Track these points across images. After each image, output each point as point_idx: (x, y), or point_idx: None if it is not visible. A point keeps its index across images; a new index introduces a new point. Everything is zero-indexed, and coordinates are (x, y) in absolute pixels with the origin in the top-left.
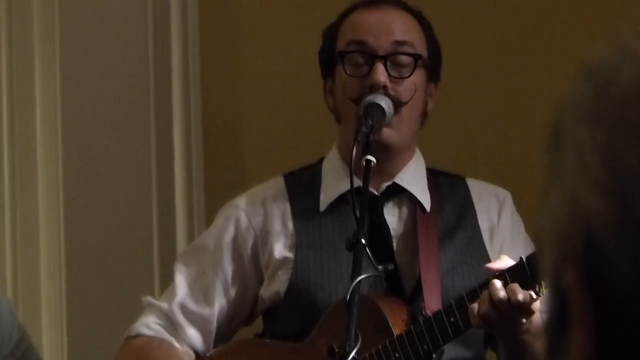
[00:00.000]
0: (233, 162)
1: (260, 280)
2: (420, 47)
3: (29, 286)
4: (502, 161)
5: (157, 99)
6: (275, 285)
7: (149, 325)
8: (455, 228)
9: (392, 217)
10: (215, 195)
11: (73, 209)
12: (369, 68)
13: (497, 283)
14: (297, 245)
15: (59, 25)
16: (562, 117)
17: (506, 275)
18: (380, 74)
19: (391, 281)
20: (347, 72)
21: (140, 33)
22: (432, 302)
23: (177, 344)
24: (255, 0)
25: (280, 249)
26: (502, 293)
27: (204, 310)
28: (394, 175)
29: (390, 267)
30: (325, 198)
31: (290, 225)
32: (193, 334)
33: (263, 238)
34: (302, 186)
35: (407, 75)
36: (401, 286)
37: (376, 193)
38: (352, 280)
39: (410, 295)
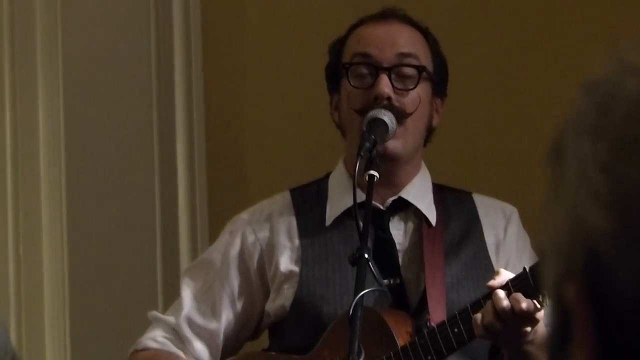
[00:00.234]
0: (236, 171)
1: (266, 295)
2: (425, 60)
3: (31, 297)
4: (508, 177)
5: (159, 103)
6: (281, 299)
7: (156, 338)
8: (461, 243)
9: (398, 231)
10: (218, 203)
11: (75, 217)
12: (373, 80)
13: (501, 293)
14: (302, 260)
15: (61, 25)
16: (564, 131)
17: (510, 285)
18: (385, 85)
19: (397, 295)
20: (352, 83)
21: (142, 35)
22: (437, 316)
23: (181, 354)
24: (259, 5)
25: (286, 263)
26: (505, 302)
27: (211, 324)
28: (400, 190)
29: (396, 281)
30: (331, 212)
31: (296, 239)
32: (200, 348)
33: (269, 252)
34: (308, 201)
35: (412, 87)
36: (406, 300)
37: (382, 207)
38: (355, 295)
39: (415, 309)
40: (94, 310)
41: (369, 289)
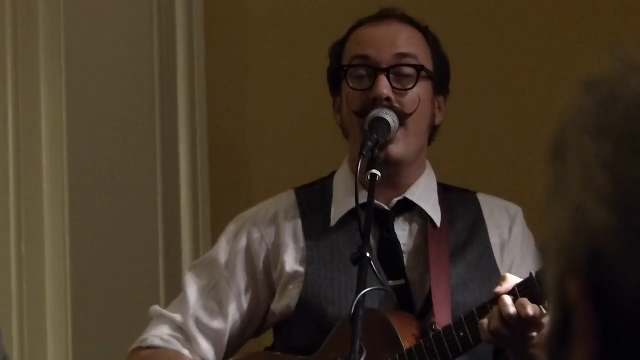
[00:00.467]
0: (239, 170)
1: (272, 294)
2: (424, 59)
3: (33, 295)
4: (513, 176)
5: (162, 102)
6: (286, 300)
7: (162, 337)
8: (466, 244)
9: (403, 232)
10: (220, 202)
11: (78, 215)
12: (371, 81)
13: (507, 299)
14: (308, 260)
15: (64, 26)
16: (566, 129)
17: (516, 290)
18: (383, 86)
19: (402, 297)
20: (351, 85)
21: (145, 34)
22: (442, 318)
23: (187, 354)
24: (262, 4)
25: (291, 263)
26: (512, 309)
27: (218, 324)
28: (405, 190)
29: (401, 282)
30: (336, 213)
31: (302, 239)
32: (206, 347)
33: (275, 252)
34: (313, 200)
35: (410, 86)
36: (411, 302)
37: (387, 208)
38: (357, 294)
39: (420, 310)
40: (96, 308)
41: (371, 288)
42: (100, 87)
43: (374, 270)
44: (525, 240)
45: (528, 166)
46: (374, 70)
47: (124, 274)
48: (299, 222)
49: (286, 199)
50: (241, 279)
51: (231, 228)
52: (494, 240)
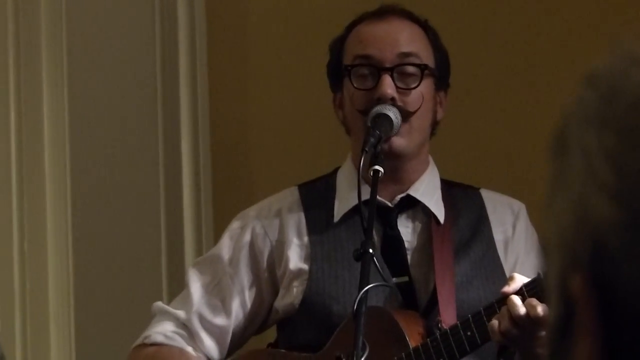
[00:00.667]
0: (241, 168)
1: (275, 291)
2: (426, 57)
3: (36, 292)
4: (516, 172)
5: (164, 100)
6: (290, 297)
7: (166, 333)
8: (470, 241)
9: (406, 229)
10: (223, 200)
11: (80, 212)
12: (375, 80)
13: (517, 299)
14: (312, 257)
15: (66, 26)
16: (568, 123)
17: (524, 290)
18: (388, 86)
19: (405, 294)
20: (355, 85)
21: (147, 37)
22: (447, 316)
23: (191, 351)
24: (263, 5)
25: (295, 261)
26: (522, 310)
27: (221, 320)
28: (408, 187)
29: (405, 280)
30: (340, 209)
31: (305, 236)
32: (209, 343)
33: (279, 249)
34: (316, 197)
35: (414, 85)
36: (415, 299)
37: (390, 205)
38: (359, 291)
39: (425, 308)
40: (99, 306)
41: (373, 284)
42: (102, 85)
43: (376, 266)
44: (529, 237)
45: (530, 162)
46: (378, 69)
47: (126, 271)
48: (302, 218)
49: (289, 196)
50: (244, 276)
51: (234, 225)
52: (498, 237)
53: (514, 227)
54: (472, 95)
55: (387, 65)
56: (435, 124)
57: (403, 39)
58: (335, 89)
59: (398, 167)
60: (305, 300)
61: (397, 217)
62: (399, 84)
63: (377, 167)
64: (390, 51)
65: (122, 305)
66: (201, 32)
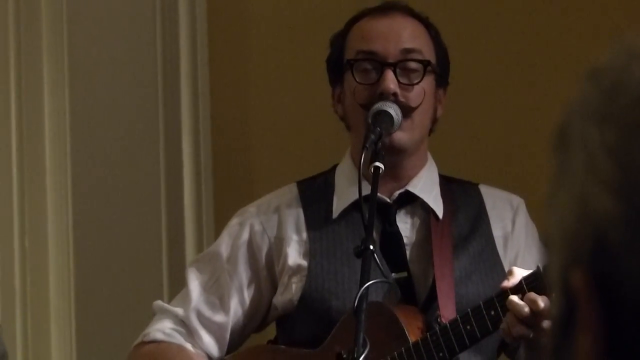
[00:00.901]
0: (242, 167)
1: (274, 288)
2: (428, 53)
3: (37, 288)
4: (516, 168)
5: (165, 106)
6: (289, 294)
7: (164, 330)
8: (468, 236)
9: (405, 225)
10: (224, 200)
11: (81, 207)
12: (378, 75)
13: (517, 300)
14: (311, 253)
15: (67, 26)
16: (569, 118)
17: (523, 284)
18: (390, 81)
19: (404, 289)
20: (357, 79)
21: (148, 40)
22: (447, 311)
23: (190, 348)
24: (264, 6)
25: (294, 257)
26: (526, 309)
27: (220, 317)
28: (406, 182)
29: (404, 275)
30: (338, 205)
31: (304, 232)
32: (208, 341)
33: (277, 245)
34: (315, 193)
35: (417, 81)
36: (414, 295)
37: (388, 201)
38: (360, 287)
39: (424, 303)
40: (99, 303)
41: (374, 281)
42: (103, 83)
43: (377, 263)
44: (528, 231)
45: (529, 157)
46: (381, 64)
47: (127, 268)
48: (301, 214)
49: (288, 192)
50: (243, 273)
51: (233, 221)
52: (497, 232)
53: (513, 222)
54: (470, 91)
55: (390, 60)
56: (434, 121)
57: (406, 35)
58: (335, 84)
59: (397, 164)
60: (304, 297)
61: (395, 213)
62: (402, 80)
63: (377, 163)
64: (394, 47)
65: (122, 301)
66: (202, 26)
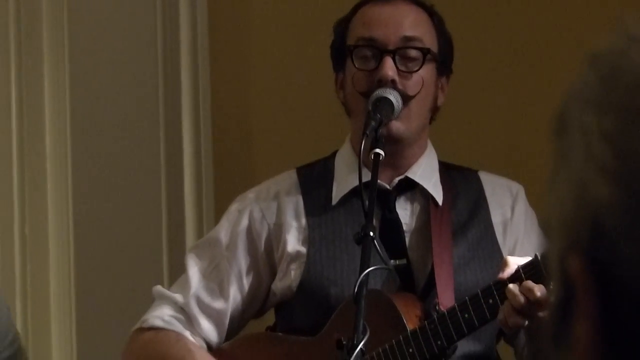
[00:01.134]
0: (242, 158)
1: (273, 274)
2: (429, 41)
3: (37, 277)
4: (515, 155)
5: (166, 98)
6: (288, 280)
7: (163, 317)
8: (467, 223)
9: (405, 211)
10: (224, 192)
11: (81, 195)
12: (377, 62)
13: (514, 289)
14: (310, 240)
15: (67, 25)
16: (568, 104)
17: (521, 272)
18: (389, 68)
19: (403, 276)
20: (356, 65)
21: (149, 34)
22: (445, 298)
23: (188, 336)
24: (265, 4)
25: (293, 243)
26: (522, 298)
27: (219, 304)
28: (406, 170)
29: (403, 262)
30: (338, 192)
31: (303, 219)
32: (208, 327)
33: (277, 231)
34: (314, 179)
35: (416, 69)
36: (413, 281)
37: (388, 187)
38: (360, 274)
39: (422, 290)
40: (100, 291)
41: (374, 267)
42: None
43: (377, 249)
44: (528, 218)
45: (531, 145)
46: (380, 51)
47: (127, 254)
48: (301, 201)
49: (288, 178)
50: (242, 260)
51: (233, 207)
52: (496, 219)
53: (512, 209)
54: (471, 79)
55: (390, 47)
56: (435, 110)
57: (407, 23)
58: (338, 69)
59: (397, 151)
60: (303, 283)
61: (395, 200)
62: (401, 67)
63: (377, 150)
64: (394, 34)
65: (123, 289)
66: (202, 13)
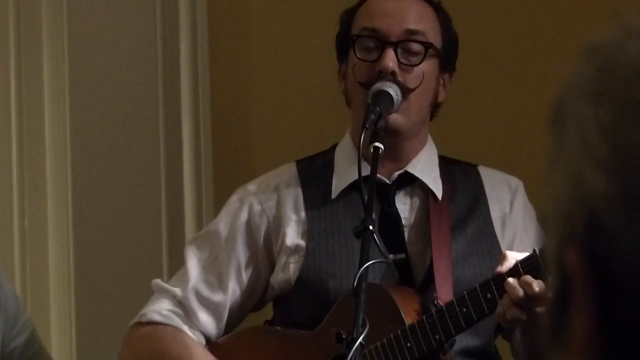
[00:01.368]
0: (241, 156)
1: (272, 267)
2: (433, 36)
3: (36, 269)
4: (514, 150)
5: (165, 98)
6: (286, 274)
7: (161, 312)
8: (466, 217)
9: (404, 205)
10: (224, 191)
11: (80, 188)
12: (379, 53)
13: (513, 283)
14: (308, 233)
15: (67, 27)
16: (565, 96)
17: (519, 267)
18: (390, 59)
19: (402, 270)
20: (358, 56)
21: (149, 31)
22: (443, 292)
23: (186, 330)
24: (265, 3)
25: (292, 237)
26: (520, 292)
27: (218, 297)
28: (405, 164)
29: (401, 256)
30: (337, 185)
31: (302, 212)
32: (206, 320)
33: (276, 224)
34: (314, 173)
35: (417, 63)
36: (412, 276)
37: (387, 181)
38: (359, 267)
39: (421, 284)
40: (99, 284)
41: (373, 261)
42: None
43: (376, 243)
44: (527, 213)
45: (530, 141)
46: (382, 43)
47: (126, 246)
48: (300, 194)
49: (287, 171)
50: (241, 253)
51: (232, 200)
52: (495, 214)
53: (511, 204)
54: (472, 75)
55: (392, 39)
56: (436, 105)
57: (412, 16)
58: (341, 60)
59: (396, 145)
60: (302, 277)
61: (394, 194)
62: (402, 60)
63: (377, 144)
64: (397, 26)
65: (122, 279)
66: (202, 14)
